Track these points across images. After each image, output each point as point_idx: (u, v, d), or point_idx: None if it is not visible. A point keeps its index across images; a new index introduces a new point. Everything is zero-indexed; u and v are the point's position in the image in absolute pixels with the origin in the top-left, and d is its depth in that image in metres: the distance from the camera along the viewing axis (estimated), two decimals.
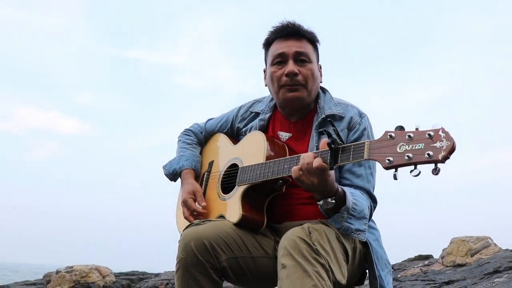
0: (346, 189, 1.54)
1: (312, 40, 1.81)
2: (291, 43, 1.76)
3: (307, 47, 1.78)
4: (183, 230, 1.64)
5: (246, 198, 1.71)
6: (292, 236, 1.44)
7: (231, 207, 1.73)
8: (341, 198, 1.50)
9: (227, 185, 1.82)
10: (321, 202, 1.47)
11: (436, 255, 5.67)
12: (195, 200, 1.83)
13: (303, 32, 1.78)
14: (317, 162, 1.39)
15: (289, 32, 1.77)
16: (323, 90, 1.89)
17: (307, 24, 1.80)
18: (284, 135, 1.83)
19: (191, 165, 1.98)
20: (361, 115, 1.77)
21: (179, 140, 2.11)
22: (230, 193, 1.78)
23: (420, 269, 5.09)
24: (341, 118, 1.75)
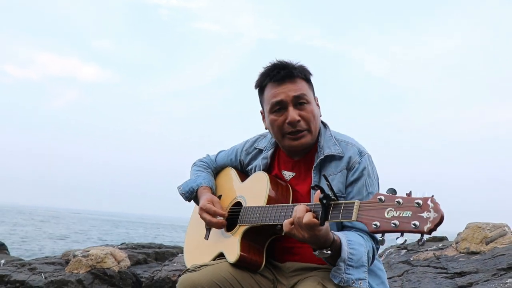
0: (343, 237, 1.52)
1: (305, 77, 1.77)
2: (286, 88, 1.74)
3: (303, 87, 1.74)
4: (179, 276, 1.71)
5: (245, 238, 1.74)
6: None
7: (231, 246, 1.76)
8: (338, 248, 1.48)
9: (231, 222, 1.84)
10: (316, 252, 1.46)
11: (450, 235, 5.62)
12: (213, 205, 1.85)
13: (296, 73, 1.73)
14: (307, 218, 1.38)
15: (282, 76, 1.74)
16: (324, 124, 1.86)
17: (295, 57, 1.79)
18: (288, 174, 1.85)
19: (209, 184, 2.01)
20: (361, 153, 1.74)
21: (194, 165, 2.16)
22: (231, 231, 1.81)
23: (434, 253, 5.04)
24: (340, 157, 1.72)
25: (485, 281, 3.77)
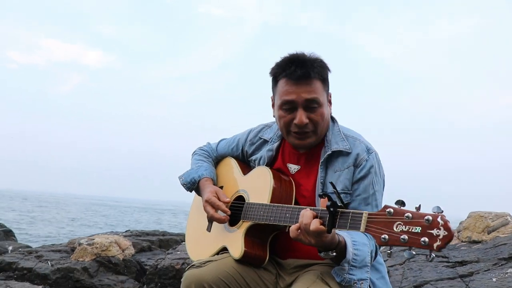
0: (348, 237, 1.53)
1: (322, 77, 1.73)
2: (300, 89, 1.70)
3: (317, 89, 1.71)
4: (185, 271, 1.74)
5: (249, 234, 1.77)
6: None
7: (235, 242, 1.79)
8: (343, 249, 1.50)
9: (233, 216, 1.86)
10: (322, 254, 1.49)
11: (455, 219, 5.63)
12: (218, 199, 1.85)
13: (314, 74, 1.70)
14: (314, 225, 1.40)
15: (299, 75, 1.69)
16: (332, 119, 1.85)
17: (313, 48, 1.74)
18: (293, 168, 1.85)
19: (210, 175, 2.01)
20: (368, 151, 1.74)
21: (195, 153, 2.14)
22: (235, 226, 1.83)
23: None
24: (348, 154, 1.73)
25: (485, 270, 3.80)
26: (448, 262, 4.33)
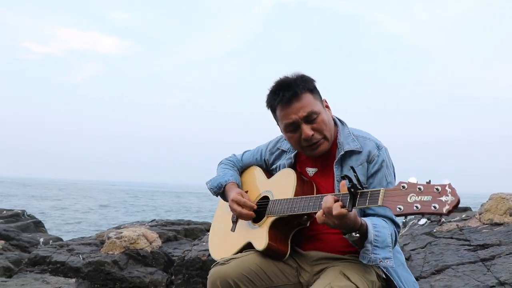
0: (369, 221, 1.70)
1: (309, 89, 1.90)
2: (295, 108, 1.86)
3: (309, 103, 1.87)
4: (211, 268, 1.90)
5: (273, 228, 1.91)
6: None
7: (259, 235, 1.94)
8: (365, 231, 1.66)
9: (258, 215, 2.00)
10: (346, 236, 1.65)
11: (481, 196, 5.61)
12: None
13: (300, 90, 1.86)
14: (337, 209, 1.55)
15: (288, 98, 1.86)
16: (341, 121, 2.02)
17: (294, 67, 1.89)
18: (311, 171, 2.01)
19: (236, 180, 2.19)
20: (379, 147, 1.91)
21: (221, 163, 2.34)
22: (259, 222, 1.97)
23: (457, 224, 5.08)
24: (359, 152, 1.89)
25: (507, 254, 3.82)
26: (469, 245, 4.35)
